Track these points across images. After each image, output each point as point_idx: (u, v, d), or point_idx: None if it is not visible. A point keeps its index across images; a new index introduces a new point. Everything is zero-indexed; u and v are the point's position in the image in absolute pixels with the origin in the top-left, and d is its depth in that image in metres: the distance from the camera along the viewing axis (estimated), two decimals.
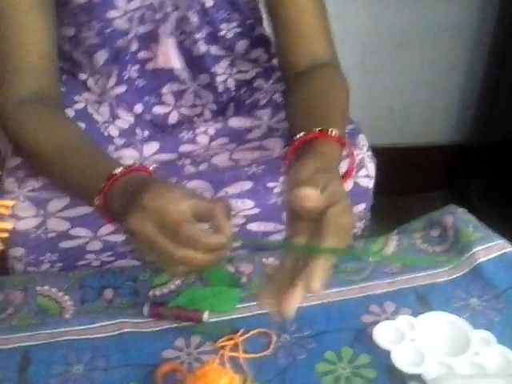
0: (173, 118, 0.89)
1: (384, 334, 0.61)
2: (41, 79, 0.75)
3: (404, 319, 0.62)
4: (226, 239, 0.54)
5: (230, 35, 0.85)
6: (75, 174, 0.69)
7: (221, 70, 0.87)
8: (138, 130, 0.88)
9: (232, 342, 0.63)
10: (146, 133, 0.88)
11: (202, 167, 0.82)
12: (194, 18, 0.81)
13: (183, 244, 0.53)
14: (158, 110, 0.88)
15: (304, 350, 0.63)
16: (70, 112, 0.83)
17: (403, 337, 0.60)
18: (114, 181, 0.61)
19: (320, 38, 0.82)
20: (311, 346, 0.63)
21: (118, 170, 0.62)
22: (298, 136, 0.66)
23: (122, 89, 0.86)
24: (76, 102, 0.85)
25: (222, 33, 0.84)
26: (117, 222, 0.63)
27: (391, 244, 0.76)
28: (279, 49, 0.85)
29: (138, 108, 0.88)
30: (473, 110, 1.69)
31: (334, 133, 0.66)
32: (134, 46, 0.82)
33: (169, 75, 0.85)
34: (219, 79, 0.88)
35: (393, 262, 0.74)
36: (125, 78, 0.84)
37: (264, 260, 0.74)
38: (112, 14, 0.77)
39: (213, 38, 0.84)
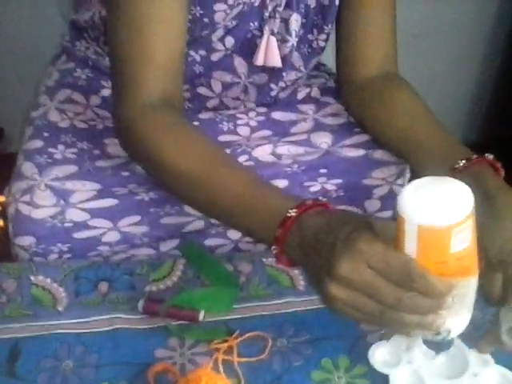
0: (211, 104, 0.85)
1: (380, 356, 0.59)
2: (169, 83, 0.69)
3: (398, 339, 0.60)
4: (449, 285, 0.48)
5: (315, 45, 0.82)
6: (236, 209, 0.61)
7: (287, 78, 0.83)
8: None
9: (226, 344, 0.61)
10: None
11: (242, 159, 0.79)
12: (297, 19, 0.77)
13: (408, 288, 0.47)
14: (202, 90, 0.84)
15: (300, 356, 0.61)
16: None
17: (399, 359, 0.58)
18: (289, 225, 0.55)
19: (389, 45, 0.80)
20: (308, 352, 0.62)
21: (293, 212, 0.55)
22: (460, 164, 0.66)
23: None
24: None
25: (311, 37, 0.81)
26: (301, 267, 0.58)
27: None
28: (344, 53, 0.82)
29: (184, 87, 0.82)
30: (485, 107, 1.66)
31: (490, 157, 0.66)
32: (215, 37, 0.77)
33: (226, 65, 0.80)
34: (280, 85, 0.84)
35: None
36: (188, 59, 0.79)
37: (264, 260, 0.72)
38: (219, 6, 0.72)
39: (301, 42, 0.81)
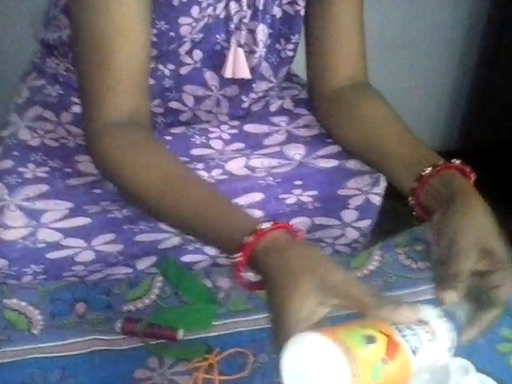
0: (184, 117, 0.85)
1: None
2: (134, 98, 0.68)
3: None
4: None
5: (283, 54, 0.82)
6: (199, 221, 0.61)
7: (258, 89, 0.83)
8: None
9: (207, 362, 0.61)
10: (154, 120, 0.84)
11: (215, 173, 0.79)
12: (264, 30, 0.77)
13: None
14: (174, 105, 0.83)
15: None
16: None
17: None
18: (259, 236, 0.54)
19: (357, 55, 0.80)
20: None
21: (267, 225, 0.55)
22: (426, 171, 0.66)
23: (149, 81, 0.78)
24: None
25: (278, 46, 0.81)
26: (263, 281, 0.55)
27: (373, 259, 0.75)
28: (313, 64, 0.83)
29: (156, 102, 0.82)
30: (462, 116, 1.69)
31: (457, 162, 0.66)
32: (182, 51, 0.76)
33: (196, 79, 0.80)
34: (251, 96, 0.83)
35: None
36: (157, 73, 0.78)
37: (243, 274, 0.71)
38: (184, 20, 0.71)
39: (269, 52, 0.81)
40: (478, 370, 0.59)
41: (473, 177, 0.67)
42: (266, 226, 0.55)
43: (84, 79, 0.69)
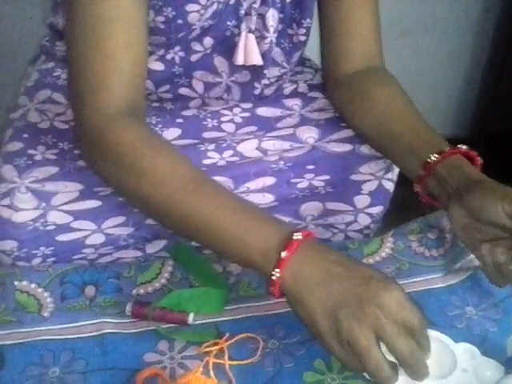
0: (194, 104, 0.84)
1: None
2: (131, 89, 0.66)
3: None
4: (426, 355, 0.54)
5: (295, 39, 0.81)
6: (221, 225, 0.59)
7: (270, 75, 0.82)
8: (155, 103, 0.83)
9: (217, 347, 0.60)
10: (165, 105, 0.83)
11: (227, 154, 0.78)
12: (274, 15, 0.76)
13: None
14: (184, 91, 0.82)
15: (292, 357, 0.60)
16: None
17: None
18: (295, 250, 0.55)
19: (372, 40, 0.79)
20: (300, 353, 0.61)
21: (299, 236, 0.55)
22: (432, 157, 0.65)
23: (158, 67, 0.79)
24: None
25: (290, 31, 0.80)
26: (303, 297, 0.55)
27: (386, 246, 0.74)
28: (327, 49, 0.82)
29: (165, 87, 0.81)
30: (473, 103, 1.67)
31: (463, 148, 0.66)
32: (192, 38, 0.75)
33: (206, 65, 0.79)
34: (263, 82, 0.82)
35: None
36: (167, 60, 0.78)
37: None
38: (191, 7, 0.70)
39: (281, 37, 0.80)
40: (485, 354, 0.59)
41: (479, 162, 0.66)
42: (297, 236, 0.55)
43: (80, 70, 0.66)
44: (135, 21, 0.66)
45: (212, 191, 0.62)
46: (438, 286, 0.68)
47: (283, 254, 0.54)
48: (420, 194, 0.69)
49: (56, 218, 0.70)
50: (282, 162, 0.78)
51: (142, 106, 0.69)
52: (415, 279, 0.69)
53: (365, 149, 0.79)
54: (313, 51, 0.88)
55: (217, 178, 0.75)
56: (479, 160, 0.66)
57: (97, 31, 0.64)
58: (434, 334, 0.59)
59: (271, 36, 0.77)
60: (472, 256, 0.70)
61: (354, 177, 0.79)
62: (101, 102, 0.65)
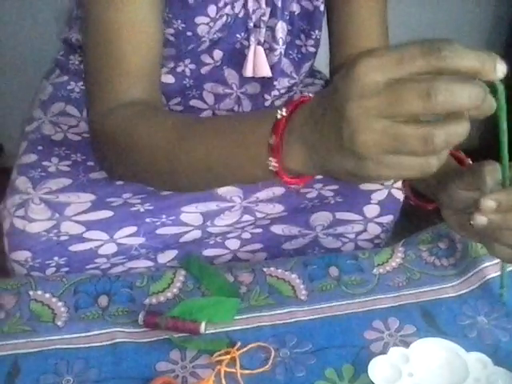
0: (205, 116, 0.84)
1: (379, 371, 0.57)
2: (141, 91, 0.66)
3: (396, 352, 0.59)
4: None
5: (304, 50, 0.82)
6: (221, 145, 0.55)
7: (280, 86, 0.83)
8: None
9: (229, 356, 0.61)
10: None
11: None
12: (283, 27, 0.77)
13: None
14: (195, 103, 0.83)
15: (303, 366, 0.60)
16: None
17: (399, 372, 0.57)
18: (285, 121, 0.48)
19: (381, 44, 0.79)
20: (311, 363, 0.61)
21: (283, 111, 0.48)
22: None
23: (169, 79, 0.80)
24: None
25: (299, 42, 0.81)
26: (309, 152, 0.47)
27: (397, 256, 0.74)
28: (335, 55, 0.82)
29: (175, 100, 0.82)
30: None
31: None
32: (202, 51, 0.76)
33: (216, 76, 0.80)
34: (273, 94, 0.82)
35: None
36: (178, 72, 0.79)
37: (265, 269, 0.71)
38: (200, 19, 0.71)
39: (290, 49, 0.80)
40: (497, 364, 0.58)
41: (467, 163, 0.66)
42: (283, 111, 0.49)
43: (90, 68, 0.68)
44: (147, 26, 0.66)
45: (202, 127, 0.59)
46: (449, 295, 0.68)
47: (279, 115, 0.49)
48: (407, 195, 0.70)
49: (69, 228, 0.71)
50: None
51: (152, 100, 0.67)
52: (426, 289, 0.69)
53: None
54: (322, 62, 0.89)
55: (226, 189, 0.76)
56: (468, 160, 0.66)
57: (107, 38, 0.65)
58: (445, 344, 0.59)
59: (280, 48, 0.78)
60: (483, 265, 0.70)
61: (363, 186, 0.80)
62: (107, 100, 0.65)
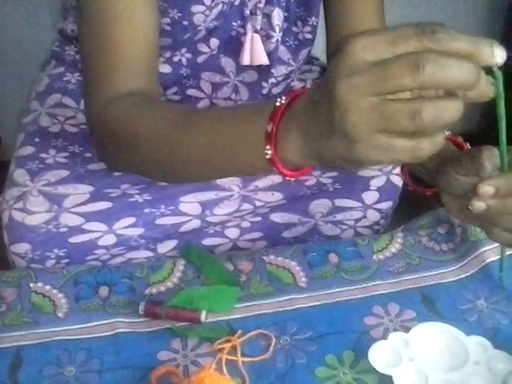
0: (202, 105, 0.84)
1: (379, 356, 0.58)
2: (137, 81, 0.66)
3: (396, 337, 0.59)
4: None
5: (301, 37, 0.81)
6: (220, 135, 0.55)
7: (278, 73, 0.82)
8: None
9: (230, 344, 0.61)
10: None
11: None
12: (279, 14, 0.76)
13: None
14: (192, 92, 0.83)
15: (304, 353, 0.61)
16: None
17: (400, 357, 0.57)
18: (283, 109, 0.48)
19: (373, 19, 0.79)
20: (312, 349, 0.61)
21: (282, 100, 0.48)
22: None
23: (165, 69, 0.80)
24: None
25: (295, 29, 0.80)
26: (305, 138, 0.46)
27: (396, 242, 0.74)
28: (332, 49, 0.82)
29: (173, 89, 0.82)
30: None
31: (447, 133, 0.64)
32: (198, 39, 0.76)
33: (213, 65, 0.80)
34: (270, 81, 0.82)
35: None
36: (174, 62, 0.79)
37: (264, 258, 0.72)
38: (196, 8, 0.71)
39: (286, 36, 0.80)
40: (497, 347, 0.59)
41: (466, 147, 0.66)
42: (281, 101, 0.49)
43: (87, 59, 0.68)
44: (142, 15, 0.66)
45: (201, 117, 0.59)
46: (449, 280, 0.69)
47: (278, 103, 0.49)
48: (406, 180, 0.70)
49: (68, 220, 0.71)
50: None
51: (149, 91, 0.67)
52: (426, 274, 0.69)
53: None
54: (319, 49, 0.88)
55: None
56: (466, 145, 0.66)
57: (102, 28, 0.65)
58: (445, 328, 0.60)
59: (277, 35, 0.77)
60: (482, 249, 0.70)
61: (361, 173, 0.80)
62: (103, 90, 0.65)
